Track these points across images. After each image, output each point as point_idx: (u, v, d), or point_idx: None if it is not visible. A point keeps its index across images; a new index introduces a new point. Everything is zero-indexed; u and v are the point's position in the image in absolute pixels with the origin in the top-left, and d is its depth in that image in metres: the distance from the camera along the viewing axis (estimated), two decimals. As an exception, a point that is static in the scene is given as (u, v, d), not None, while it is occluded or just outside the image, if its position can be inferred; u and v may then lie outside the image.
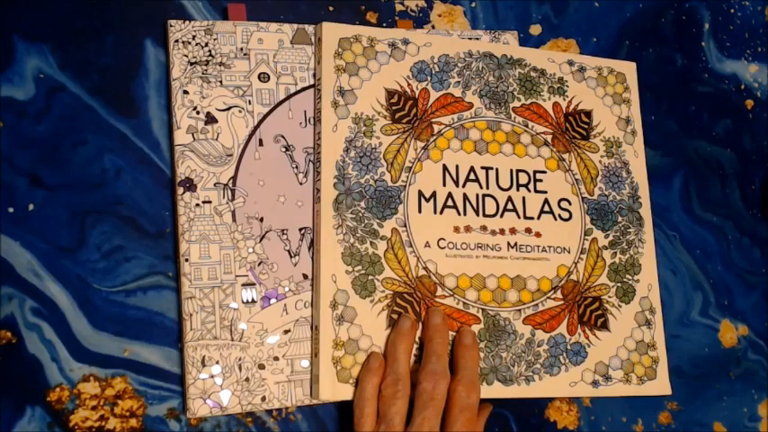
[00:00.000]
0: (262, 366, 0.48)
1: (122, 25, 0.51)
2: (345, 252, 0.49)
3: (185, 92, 0.50)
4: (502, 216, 0.53)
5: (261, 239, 0.49)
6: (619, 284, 0.55)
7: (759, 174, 0.66)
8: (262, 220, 0.50)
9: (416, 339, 0.49)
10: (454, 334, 0.50)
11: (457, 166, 0.53)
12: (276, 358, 0.48)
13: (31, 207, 0.48)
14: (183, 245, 0.48)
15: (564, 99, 0.57)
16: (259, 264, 0.49)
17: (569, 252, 0.54)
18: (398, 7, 0.58)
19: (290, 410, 0.51)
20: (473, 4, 0.59)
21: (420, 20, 0.58)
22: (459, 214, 0.52)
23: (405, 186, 0.52)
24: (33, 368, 0.47)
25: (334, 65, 0.51)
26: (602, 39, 0.63)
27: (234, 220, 0.49)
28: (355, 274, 0.49)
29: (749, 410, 0.62)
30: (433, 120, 0.53)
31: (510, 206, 0.54)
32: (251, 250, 0.49)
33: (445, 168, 0.53)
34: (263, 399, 0.48)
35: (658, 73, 0.64)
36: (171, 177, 0.50)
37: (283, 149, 0.51)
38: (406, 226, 0.51)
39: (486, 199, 0.53)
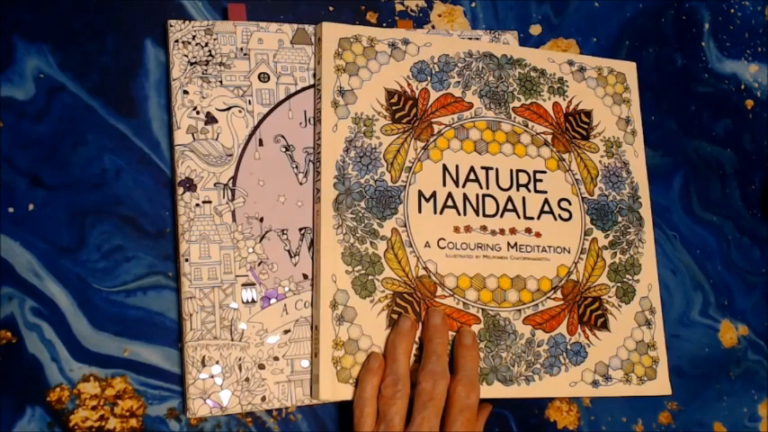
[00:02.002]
0: (262, 366, 0.48)
1: (122, 25, 0.51)
2: (345, 252, 0.49)
3: (185, 92, 0.50)
4: (502, 216, 0.53)
5: (261, 239, 0.49)
6: (619, 284, 0.55)
7: (759, 174, 0.66)
8: (262, 220, 0.50)
9: (416, 339, 0.49)
10: (454, 334, 0.50)
11: (457, 166, 0.53)
12: (276, 358, 0.48)
13: (31, 207, 0.48)
14: (183, 245, 0.48)
15: (564, 99, 0.57)
16: (259, 264, 0.49)
17: (569, 252, 0.54)
18: (398, 7, 0.58)
19: (290, 410, 0.51)
20: (473, 4, 0.59)
21: (420, 20, 0.58)
22: (459, 214, 0.52)
23: (405, 186, 0.52)
24: (33, 368, 0.47)
25: (334, 65, 0.51)
26: (602, 39, 0.63)
27: (234, 220, 0.49)
28: (355, 274, 0.49)
29: (749, 410, 0.62)
30: (433, 120, 0.53)
31: (510, 206, 0.54)
32: (251, 250, 0.49)
33: (445, 168, 0.53)
34: (263, 399, 0.48)
35: (658, 73, 0.64)
36: (171, 177, 0.50)
37: (283, 149, 0.51)
38: (406, 226, 0.51)
39: (486, 199, 0.53)
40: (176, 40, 0.50)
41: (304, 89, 0.52)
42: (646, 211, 0.58)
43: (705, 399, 0.61)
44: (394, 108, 0.52)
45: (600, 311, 0.54)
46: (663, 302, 0.58)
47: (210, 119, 0.50)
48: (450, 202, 0.52)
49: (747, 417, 0.62)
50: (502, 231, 0.53)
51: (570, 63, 0.58)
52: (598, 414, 0.58)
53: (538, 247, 0.54)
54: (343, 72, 0.52)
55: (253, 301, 0.49)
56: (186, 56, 0.50)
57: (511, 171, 0.54)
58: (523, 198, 0.54)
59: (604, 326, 0.54)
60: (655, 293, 0.56)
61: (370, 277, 0.49)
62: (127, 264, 0.49)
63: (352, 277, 0.49)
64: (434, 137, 0.53)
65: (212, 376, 0.47)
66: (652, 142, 0.62)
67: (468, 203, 0.53)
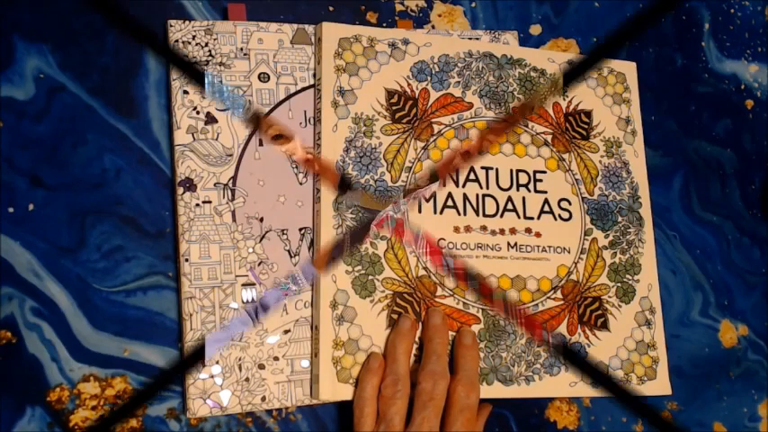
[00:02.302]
0: (262, 366, 0.48)
1: (122, 25, 0.51)
2: (345, 252, 0.49)
3: (185, 92, 0.50)
4: (502, 216, 0.53)
5: (261, 239, 0.49)
6: (619, 284, 0.55)
7: (759, 174, 0.66)
8: (262, 220, 0.50)
9: (416, 339, 0.49)
10: (454, 334, 0.50)
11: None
12: (276, 358, 0.48)
13: (31, 207, 0.48)
14: (183, 245, 0.48)
15: (564, 99, 0.57)
16: (259, 264, 0.49)
17: (569, 252, 0.54)
18: (398, 7, 0.58)
19: (290, 410, 0.51)
20: (473, 4, 0.59)
21: (420, 20, 0.58)
22: (459, 214, 0.52)
23: (405, 186, 0.52)
24: (33, 368, 0.47)
25: (334, 65, 0.51)
26: (602, 39, 0.63)
27: (234, 220, 0.49)
28: (355, 274, 0.49)
29: (749, 410, 0.62)
30: (433, 120, 0.53)
31: (510, 206, 0.54)
32: (251, 250, 0.49)
33: (445, 168, 0.53)
34: (263, 399, 0.48)
35: (658, 73, 0.64)
36: (171, 177, 0.50)
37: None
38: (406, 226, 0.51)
39: (486, 199, 0.53)
40: (176, 40, 0.50)
41: (304, 89, 0.52)
42: (646, 211, 0.58)
43: (705, 399, 0.61)
44: (394, 108, 0.52)
45: (600, 311, 0.54)
46: (663, 302, 0.58)
47: (210, 119, 0.50)
48: (450, 203, 0.52)
49: (747, 417, 0.62)
50: (502, 231, 0.53)
51: (570, 63, 0.58)
52: (598, 414, 0.58)
53: (538, 247, 0.54)
54: (343, 72, 0.52)
55: (253, 301, 0.49)
56: (186, 56, 0.50)
57: (511, 171, 0.54)
58: (523, 198, 0.54)
59: (604, 326, 0.54)
60: (655, 293, 0.56)
61: (370, 277, 0.49)
62: (127, 264, 0.49)
63: (352, 277, 0.49)
64: (434, 137, 0.53)
65: (212, 376, 0.47)
66: (652, 142, 0.62)
67: (468, 203, 0.53)
